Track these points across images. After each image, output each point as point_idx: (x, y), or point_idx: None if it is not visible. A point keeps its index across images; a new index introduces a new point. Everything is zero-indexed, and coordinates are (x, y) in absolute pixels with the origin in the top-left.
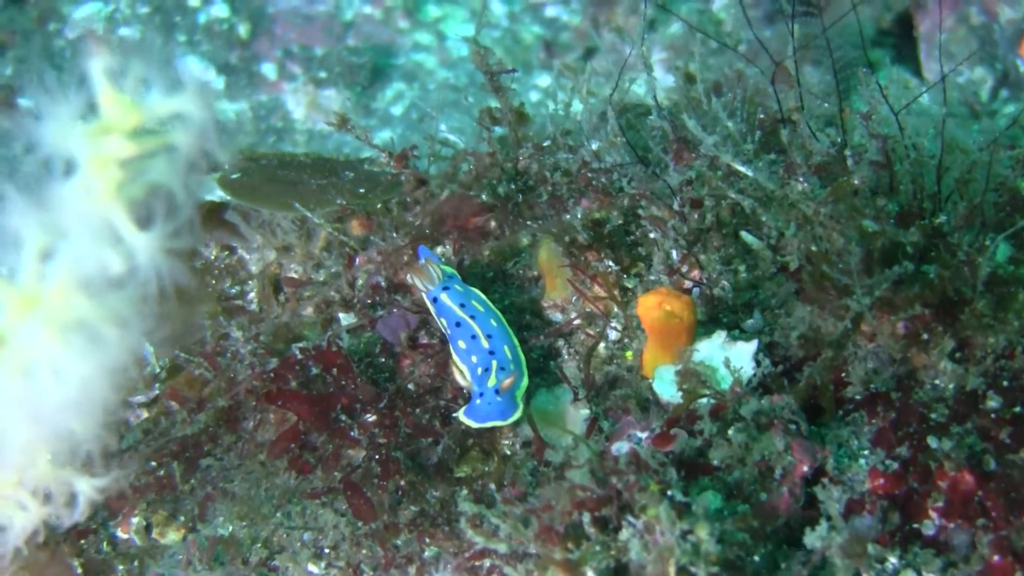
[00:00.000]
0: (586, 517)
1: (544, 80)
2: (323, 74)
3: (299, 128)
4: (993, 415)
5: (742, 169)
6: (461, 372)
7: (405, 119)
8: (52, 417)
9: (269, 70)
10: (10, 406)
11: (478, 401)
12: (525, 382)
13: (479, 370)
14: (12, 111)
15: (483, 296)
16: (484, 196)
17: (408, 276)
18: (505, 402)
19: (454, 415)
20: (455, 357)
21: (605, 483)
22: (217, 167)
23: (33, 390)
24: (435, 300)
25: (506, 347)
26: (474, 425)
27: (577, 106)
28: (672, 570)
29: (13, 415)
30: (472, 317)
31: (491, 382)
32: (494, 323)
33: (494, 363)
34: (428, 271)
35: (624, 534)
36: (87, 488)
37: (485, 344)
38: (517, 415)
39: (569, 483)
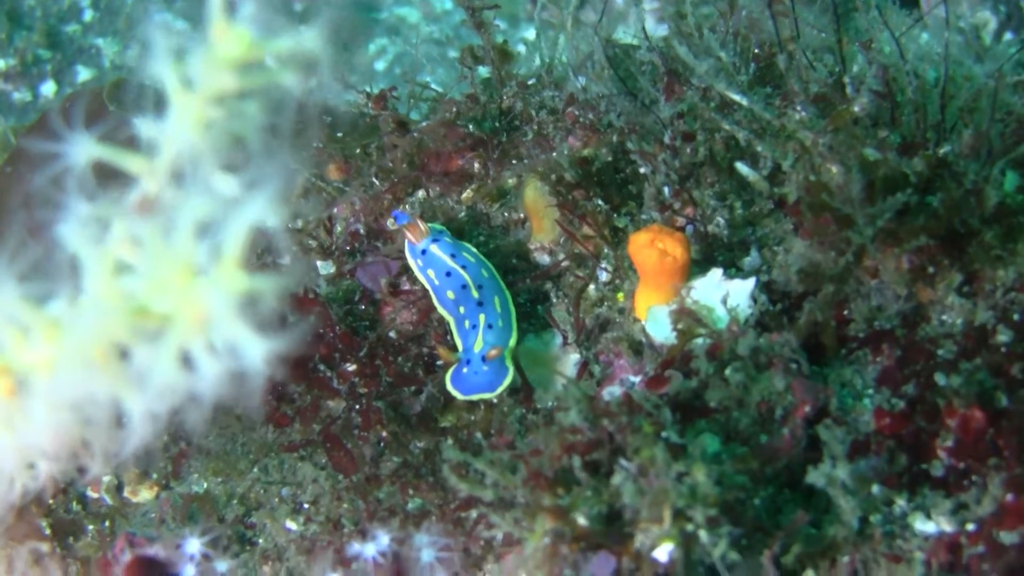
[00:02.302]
0: (576, 461)
1: (530, 33)
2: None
3: None
4: (1004, 350)
5: (736, 98)
6: (446, 347)
7: (388, 74)
8: (208, 392)
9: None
10: (159, 387)
11: (464, 369)
12: (514, 339)
13: (466, 323)
14: None
15: (475, 250)
16: (470, 127)
17: (388, 223)
18: (492, 370)
19: (439, 363)
20: (440, 309)
21: (596, 425)
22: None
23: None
24: (424, 252)
25: (496, 298)
26: (460, 397)
27: (562, 41)
28: (668, 514)
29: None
30: (463, 267)
31: (477, 346)
32: (485, 274)
33: (482, 318)
34: (418, 225)
35: (617, 478)
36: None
37: (475, 294)
38: (506, 382)
39: (558, 427)
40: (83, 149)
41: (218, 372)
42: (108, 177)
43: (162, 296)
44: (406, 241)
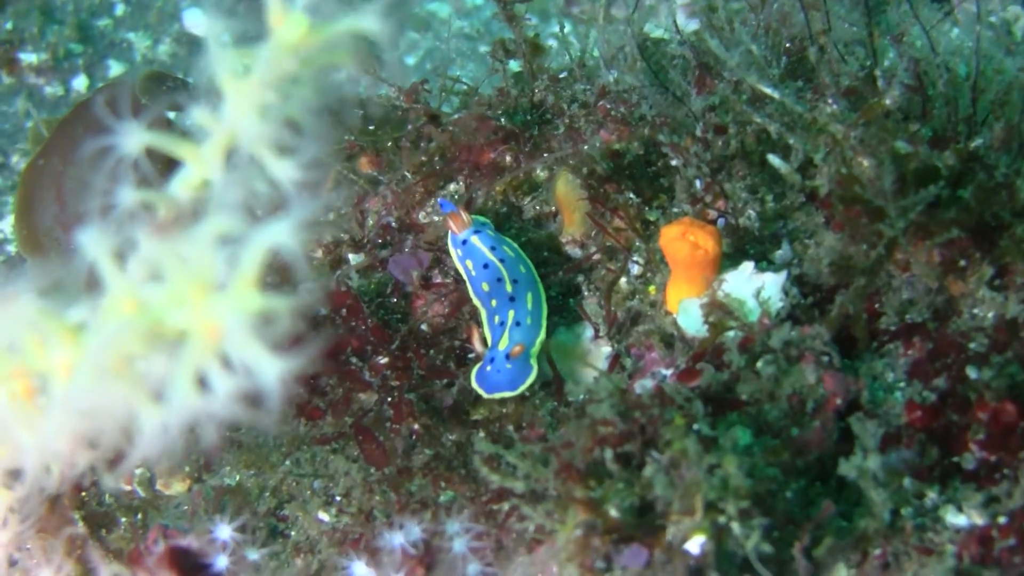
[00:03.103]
0: (608, 453)
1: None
2: None
3: None
4: None
5: (768, 91)
6: (480, 338)
7: (419, 69)
8: (221, 412)
9: None
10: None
11: (488, 367)
12: (542, 336)
13: (495, 318)
14: (13, 67)
15: (516, 246)
16: (502, 119)
17: (422, 215)
18: (516, 368)
19: (470, 356)
20: (475, 300)
21: (628, 418)
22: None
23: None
24: (464, 242)
25: (530, 295)
26: (484, 395)
27: (594, 35)
28: (700, 506)
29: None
30: (501, 260)
31: (503, 344)
32: (523, 269)
33: (511, 314)
34: (461, 216)
35: (648, 470)
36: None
37: (509, 288)
38: (530, 380)
39: (589, 419)
40: (135, 138)
41: (232, 391)
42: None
43: (179, 310)
44: (448, 230)
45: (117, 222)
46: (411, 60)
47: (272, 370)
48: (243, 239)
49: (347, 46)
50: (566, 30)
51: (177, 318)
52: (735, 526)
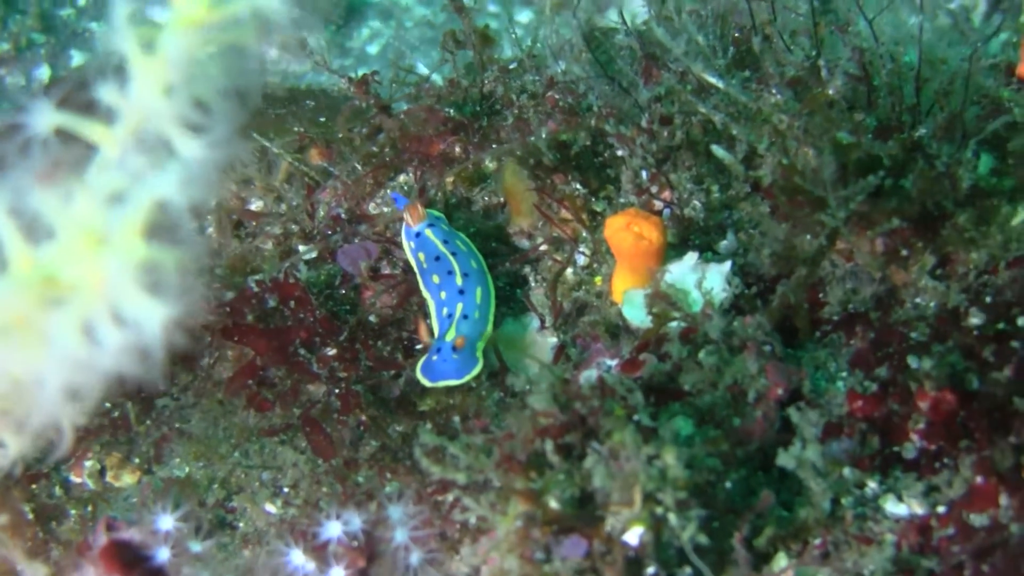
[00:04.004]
0: (549, 445)
1: (524, 16)
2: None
3: (272, 69)
4: (976, 332)
5: (713, 80)
6: (428, 329)
7: (382, 58)
8: (107, 363)
9: None
10: (62, 357)
11: (434, 357)
12: (488, 331)
13: (444, 311)
14: None
15: (468, 241)
16: (451, 111)
17: (372, 206)
18: (462, 359)
19: (418, 347)
20: (425, 292)
21: (568, 409)
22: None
23: (92, 338)
24: (418, 235)
25: (479, 289)
26: (427, 384)
27: (543, 27)
28: (638, 497)
29: (61, 364)
30: (453, 254)
31: (450, 335)
32: (474, 264)
33: (459, 307)
34: (418, 209)
35: (588, 461)
36: (71, 415)
37: (459, 281)
38: (475, 371)
39: (531, 410)
40: (45, 117)
41: (119, 342)
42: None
43: (71, 265)
44: (403, 223)
45: (14, 184)
46: (373, 49)
47: (155, 316)
48: (129, 194)
49: (251, 24)
50: (530, 21)
51: (70, 273)
52: (672, 517)
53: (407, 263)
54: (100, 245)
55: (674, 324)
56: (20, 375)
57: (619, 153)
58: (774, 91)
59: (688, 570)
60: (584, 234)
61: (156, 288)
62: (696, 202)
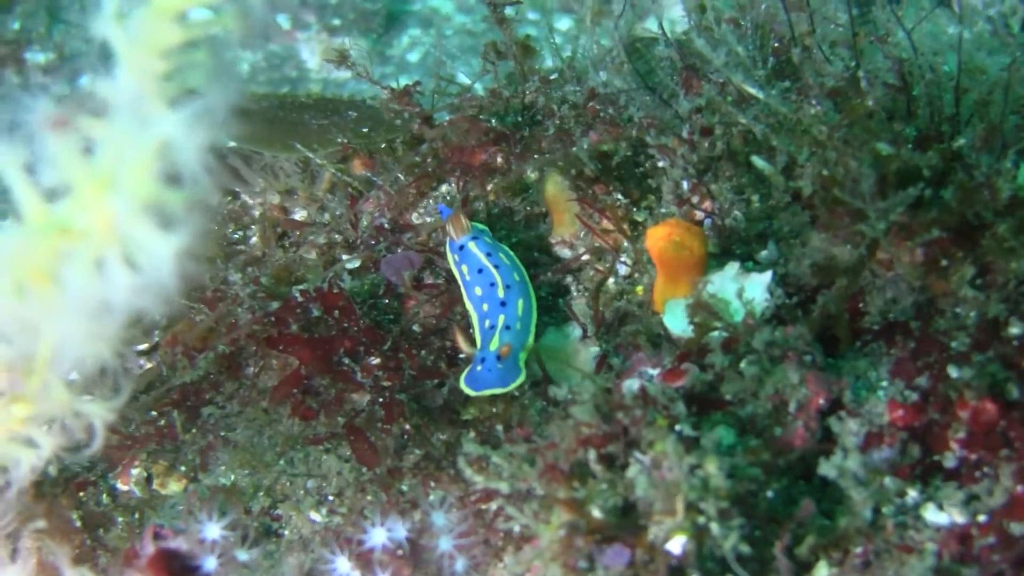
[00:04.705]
0: (592, 454)
1: (563, 24)
2: (337, 21)
3: (314, 77)
4: (1015, 342)
5: (753, 91)
6: (465, 338)
7: (422, 66)
8: (123, 302)
9: (282, 19)
10: (79, 301)
11: (479, 368)
12: (530, 342)
13: (486, 322)
14: (20, 67)
15: (512, 253)
16: (493, 122)
17: (415, 216)
18: (506, 368)
19: (461, 356)
20: (468, 304)
21: (611, 419)
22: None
23: (105, 280)
24: (462, 248)
25: (521, 301)
26: (472, 393)
27: (584, 38)
28: (680, 506)
29: (79, 309)
30: (496, 267)
31: (493, 345)
32: (516, 277)
33: (501, 318)
34: (462, 221)
35: (631, 471)
36: (102, 414)
37: (501, 294)
38: (519, 381)
39: (574, 420)
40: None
41: (131, 281)
42: None
43: (83, 212)
44: (447, 235)
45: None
46: (413, 57)
47: (164, 248)
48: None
49: (232, 13)
50: (568, 28)
51: (82, 221)
52: (714, 526)
53: (450, 273)
54: (109, 188)
55: (715, 334)
56: (41, 327)
57: (660, 164)
58: (814, 102)
59: None
60: (625, 244)
61: (165, 224)
62: (737, 212)
